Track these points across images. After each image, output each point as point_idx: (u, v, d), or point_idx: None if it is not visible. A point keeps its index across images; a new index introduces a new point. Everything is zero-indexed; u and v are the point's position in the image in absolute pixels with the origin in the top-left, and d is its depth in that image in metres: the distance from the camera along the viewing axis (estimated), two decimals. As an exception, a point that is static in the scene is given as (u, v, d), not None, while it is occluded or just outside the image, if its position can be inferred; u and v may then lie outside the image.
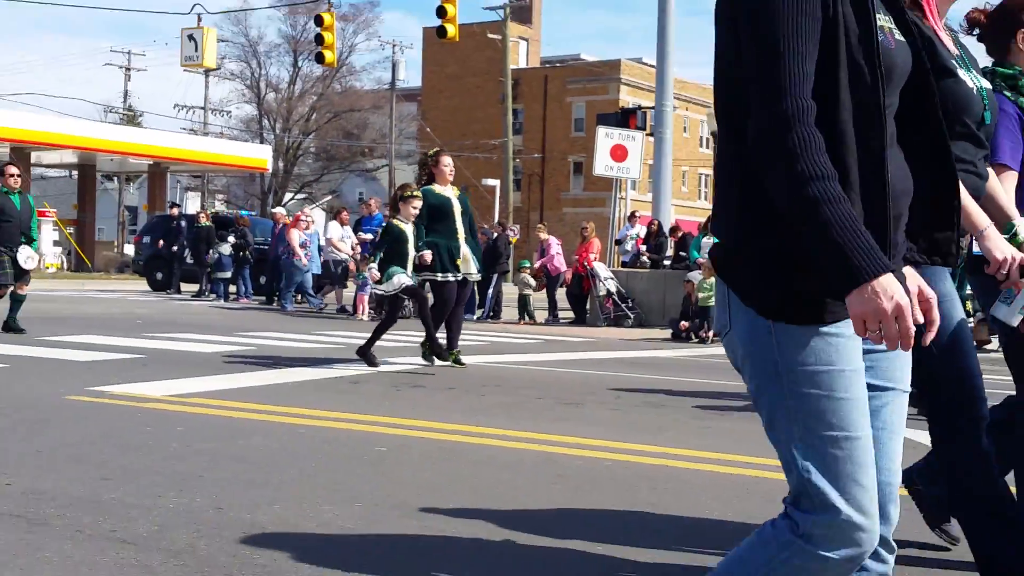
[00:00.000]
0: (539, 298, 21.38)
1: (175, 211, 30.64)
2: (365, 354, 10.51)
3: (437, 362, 10.83)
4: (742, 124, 2.11)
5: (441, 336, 10.96)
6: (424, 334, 10.70)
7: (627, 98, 54.65)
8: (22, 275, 13.31)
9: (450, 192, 11.44)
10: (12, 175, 12.94)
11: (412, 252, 10.56)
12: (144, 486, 5.05)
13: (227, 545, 4.07)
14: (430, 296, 11.23)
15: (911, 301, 1.97)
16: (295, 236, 21.19)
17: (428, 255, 10.67)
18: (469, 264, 11.23)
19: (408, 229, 10.57)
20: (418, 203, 10.65)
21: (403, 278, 10.43)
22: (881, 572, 2.29)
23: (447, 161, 11.49)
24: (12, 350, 11.01)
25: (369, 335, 10.80)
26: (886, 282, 1.88)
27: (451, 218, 11.10)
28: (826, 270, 1.96)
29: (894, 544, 2.27)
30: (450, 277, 10.96)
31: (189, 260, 26.47)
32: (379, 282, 10.78)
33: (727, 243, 2.26)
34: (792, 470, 2.06)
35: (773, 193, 2.02)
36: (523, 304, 20.28)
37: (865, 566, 2.20)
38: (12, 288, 12.74)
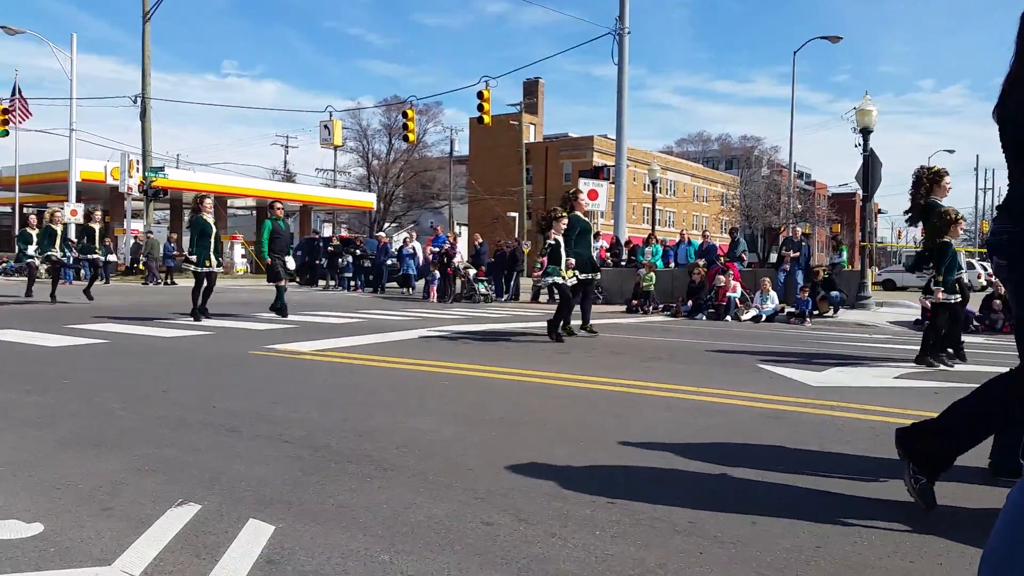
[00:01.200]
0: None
1: (316, 236, 31.06)
2: (552, 331, 9.90)
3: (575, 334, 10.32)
4: None
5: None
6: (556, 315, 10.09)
7: (598, 160, 54.56)
8: (290, 274, 13.59)
9: (588, 218, 11.00)
10: (279, 207, 12.64)
11: (564, 257, 10.03)
12: (298, 406, 5.10)
13: (350, 442, 4.14)
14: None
15: None
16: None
17: (573, 262, 10.08)
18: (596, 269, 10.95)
19: (560, 240, 10.08)
20: (565, 222, 10.15)
21: (556, 277, 10.04)
22: None
23: (584, 198, 11.01)
24: (218, 323, 11.01)
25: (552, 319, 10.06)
26: None
27: (588, 236, 10.63)
28: None
29: None
30: (588, 276, 10.50)
31: (324, 266, 26.71)
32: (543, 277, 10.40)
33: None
34: None
35: None
36: (536, 292, 20.34)
37: None
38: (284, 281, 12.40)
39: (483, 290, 19.52)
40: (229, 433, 4.33)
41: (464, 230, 63.57)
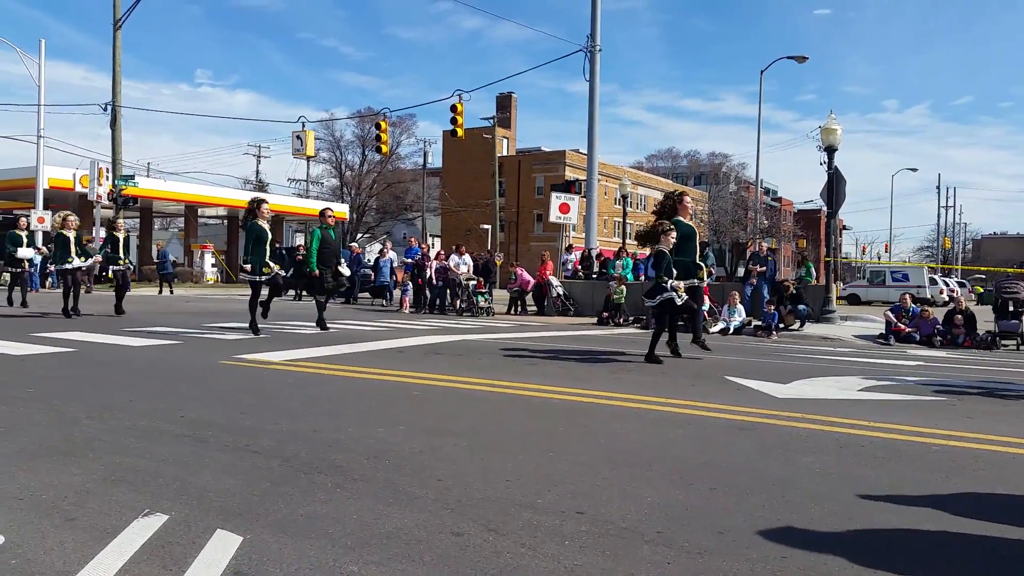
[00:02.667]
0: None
1: (278, 245, 30.76)
2: (650, 357, 9.07)
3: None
4: None
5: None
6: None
7: (570, 174, 54.84)
8: (343, 285, 13.02)
9: (692, 222, 9.86)
10: (329, 215, 11.94)
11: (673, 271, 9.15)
12: (267, 416, 5.06)
13: (319, 452, 4.12)
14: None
15: None
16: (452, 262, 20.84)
17: (681, 285, 9.12)
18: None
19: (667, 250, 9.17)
20: (674, 234, 9.25)
21: (665, 294, 9.08)
22: None
23: (687, 200, 9.77)
24: (187, 332, 10.85)
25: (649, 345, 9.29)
26: None
27: (692, 241, 9.51)
28: None
29: None
30: (694, 282, 9.41)
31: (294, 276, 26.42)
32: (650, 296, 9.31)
33: None
34: None
35: None
36: (511, 302, 20.48)
37: None
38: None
39: (483, 303, 18.87)
40: (197, 443, 4.27)
41: (437, 241, 63.49)
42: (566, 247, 22.98)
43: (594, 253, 21.80)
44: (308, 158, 51.10)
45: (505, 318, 18.48)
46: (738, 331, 15.07)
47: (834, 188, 17.19)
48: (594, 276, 21.20)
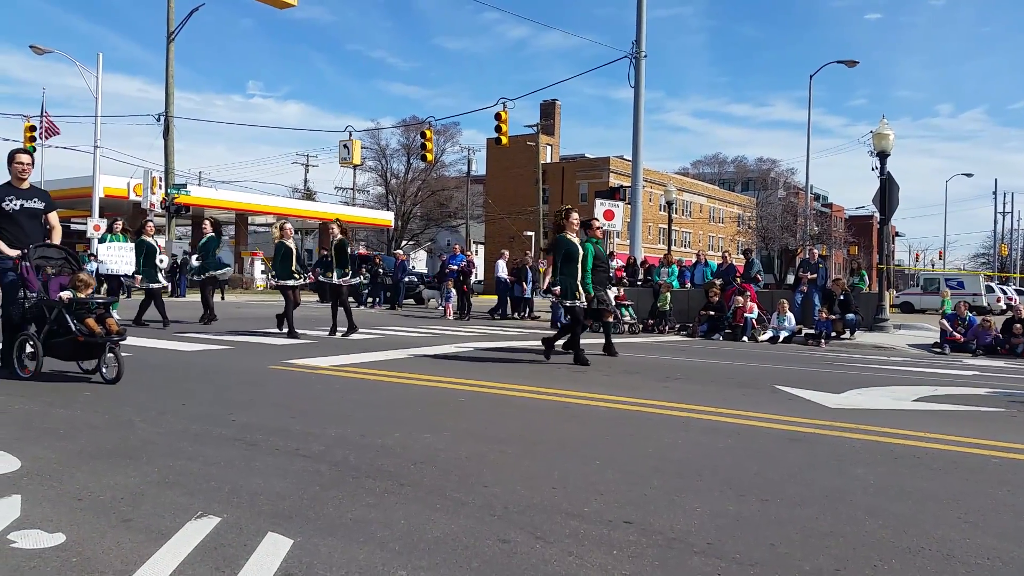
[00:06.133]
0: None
1: (325, 254, 31.22)
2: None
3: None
4: None
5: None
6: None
7: (614, 180, 54.58)
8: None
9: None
10: (598, 226, 10.69)
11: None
12: (315, 421, 5.11)
13: (367, 457, 4.15)
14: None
15: None
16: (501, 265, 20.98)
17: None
18: None
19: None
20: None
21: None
22: None
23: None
24: (237, 338, 11.08)
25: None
26: None
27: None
28: None
29: None
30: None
31: None
32: None
33: None
34: None
35: None
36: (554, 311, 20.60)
37: None
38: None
39: (628, 318, 16.24)
40: (248, 447, 4.33)
41: (481, 249, 63.69)
42: (608, 254, 22.86)
43: (639, 260, 21.65)
44: (355, 167, 51.76)
45: (546, 324, 18.44)
46: (788, 340, 14.82)
47: (887, 194, 16.83)
48: (639, 284, 21.05)
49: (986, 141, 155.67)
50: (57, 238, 7.16)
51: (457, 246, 24.14)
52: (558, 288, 9.41)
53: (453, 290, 20.59)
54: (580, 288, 9.48)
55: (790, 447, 4.84)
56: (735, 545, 2.95)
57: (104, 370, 6.58)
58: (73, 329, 6.42)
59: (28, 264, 6.63)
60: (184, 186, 31.60)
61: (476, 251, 45.64)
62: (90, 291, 6.80)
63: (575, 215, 9.72)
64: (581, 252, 9.51)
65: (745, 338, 14.91)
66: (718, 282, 16.91)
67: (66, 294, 6.58)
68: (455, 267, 20.98)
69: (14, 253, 6.63)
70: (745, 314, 15.26)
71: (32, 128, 30.57)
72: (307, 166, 66.82)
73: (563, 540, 2.94)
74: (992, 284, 40.55)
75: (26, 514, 3.05)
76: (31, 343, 6.64)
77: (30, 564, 2.56)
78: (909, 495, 3.74)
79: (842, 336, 15.00)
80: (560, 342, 10.06)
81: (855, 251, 52.87)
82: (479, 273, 50.15)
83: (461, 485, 3.67)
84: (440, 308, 21.82)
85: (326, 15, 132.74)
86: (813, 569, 2.73)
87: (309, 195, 63.97)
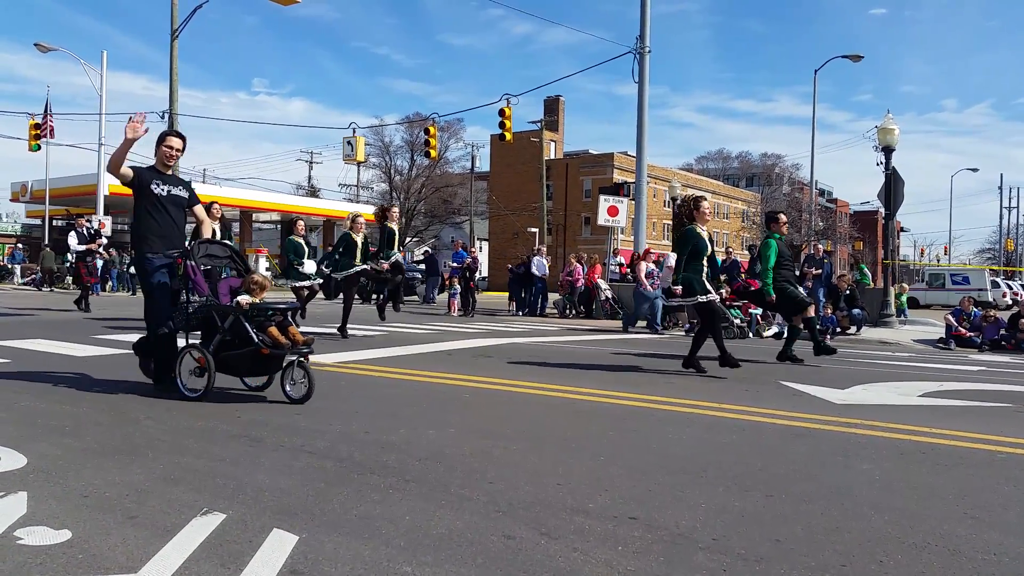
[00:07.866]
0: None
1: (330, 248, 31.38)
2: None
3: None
4: None
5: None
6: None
7: (618, 177, 54.49)
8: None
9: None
10: (783, 221, 9.86)
11: None
12: (320, 417, 5.10)
13: (372, 453, 4.16)
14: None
15: None
16: (643, 267, 16.46)
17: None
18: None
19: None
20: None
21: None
22: None
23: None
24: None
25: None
26: None
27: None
28: None
29: None
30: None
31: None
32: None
33: None
34: None
35: None
36: (561, 306, 20.58)
37: None
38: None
39: (738, 320, 14.64)
40: (253, 443, 4.34)
41: (485, 245, 63.74)
42: (613, 251, 22.86)
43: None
44: (358, 163, 51.80)
45: (555, 321, 18.44)
46: (792, 335, 14.76)
47: (892, 189, 16.78)
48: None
49: (992, 136, 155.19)
50: (207, 234, 6.39)
51: (460, 242, 24.07)
52: (680, 288, 8.38)
53: (458, 286, 20.60)
54: (708, 285, 8.50)
55: (795, 443, 4.83)
56: (740, 541, 2.94)
57: (289, 388, 5.71)
58: (255, 340, 5.49)
59: (194, 263, 5.72)
60: (189, 184, 31.64)
61: (480, 247, 45.73)
62: (264, 295, 5.82)
63: (705, 204, 8.74)
64: (709, 248, 8.58)
65: (750, 334, 14.87)
66: (723, 278, 16.85)
67: (244, 299, 5.61)
68: (458, 264, 21.00)
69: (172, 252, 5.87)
70: (750, 309, 15.22)
71: (37, 126, 30.64)
72: (311, 163, 66.96)
73: (568, 536, 2.94)
74: (998, 279, 40.43)
75: (32, 511, 3.06)
76: (197, 355, 5.65)
77: (36, 561, 2.57)
78: (914, 490, 3.73)
79: (847, 331, 14.97)
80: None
81: (860, 246, 52.75)
82: (484, 270, 50.16)
83: (466, 481, 3.67)
84: (427, 300, 22.08)
85: (331, 12, 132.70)
86: (818, 564, 2.72)
87: (313, 192, 64.04)
